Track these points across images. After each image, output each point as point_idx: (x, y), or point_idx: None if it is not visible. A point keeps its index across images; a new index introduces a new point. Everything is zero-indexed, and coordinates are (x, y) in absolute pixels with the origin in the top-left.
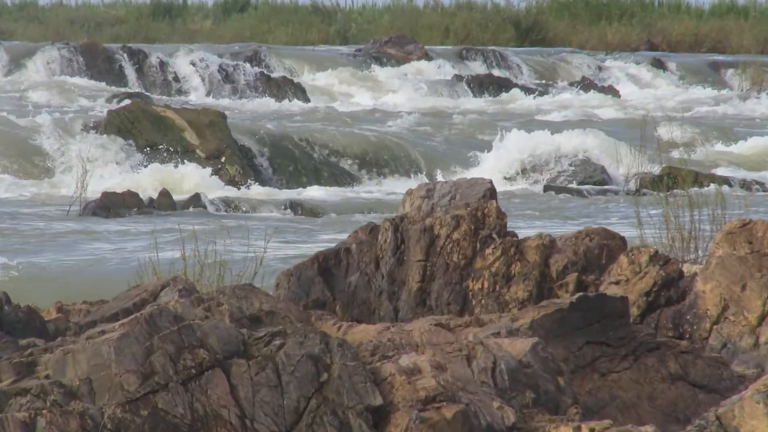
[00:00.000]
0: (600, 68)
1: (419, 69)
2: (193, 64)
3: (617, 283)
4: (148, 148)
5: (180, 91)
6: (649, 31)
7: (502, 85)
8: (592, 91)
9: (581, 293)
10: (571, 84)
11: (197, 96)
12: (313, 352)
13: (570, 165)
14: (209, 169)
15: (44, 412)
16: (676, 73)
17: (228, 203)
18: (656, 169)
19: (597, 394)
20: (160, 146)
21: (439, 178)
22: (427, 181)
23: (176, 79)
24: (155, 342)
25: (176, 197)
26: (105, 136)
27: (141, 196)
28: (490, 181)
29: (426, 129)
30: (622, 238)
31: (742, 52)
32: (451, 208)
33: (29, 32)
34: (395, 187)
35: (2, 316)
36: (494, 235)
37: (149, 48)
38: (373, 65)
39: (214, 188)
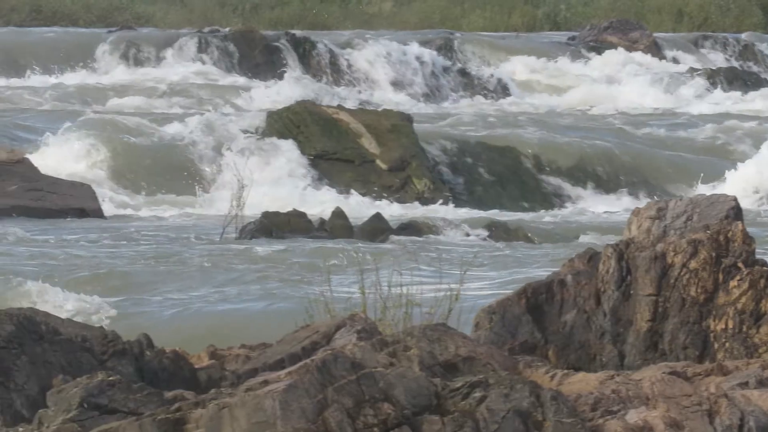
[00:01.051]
0: None
1: (646, 61)
2: (371, 54)
3: None
4: (316, 158)
5: (355, 88)
6: None
7: (747, 81)
8: None
9: None
10: None
11: (377, 94)
12: (522, 406)
13: None
14: (391, 184)
15: None
16: None
17: (415, 225)
18: None
19: None
20: (332, 155)
21: (673, 195)
22: (657, 198)
23: (350, 73)
24: (329, 394)
25: (352, 218)
26: (265, 142)
27: (309, 216)
28: (734, 198)
29: (655, 134)
30: None
31: None
32: (687, 232)
33: (170, 17)
34: (617, 206)
35: (144, 363)
36: (740, 264)
37: (317, 35)
38: (590, 56)
39: (396, 207)
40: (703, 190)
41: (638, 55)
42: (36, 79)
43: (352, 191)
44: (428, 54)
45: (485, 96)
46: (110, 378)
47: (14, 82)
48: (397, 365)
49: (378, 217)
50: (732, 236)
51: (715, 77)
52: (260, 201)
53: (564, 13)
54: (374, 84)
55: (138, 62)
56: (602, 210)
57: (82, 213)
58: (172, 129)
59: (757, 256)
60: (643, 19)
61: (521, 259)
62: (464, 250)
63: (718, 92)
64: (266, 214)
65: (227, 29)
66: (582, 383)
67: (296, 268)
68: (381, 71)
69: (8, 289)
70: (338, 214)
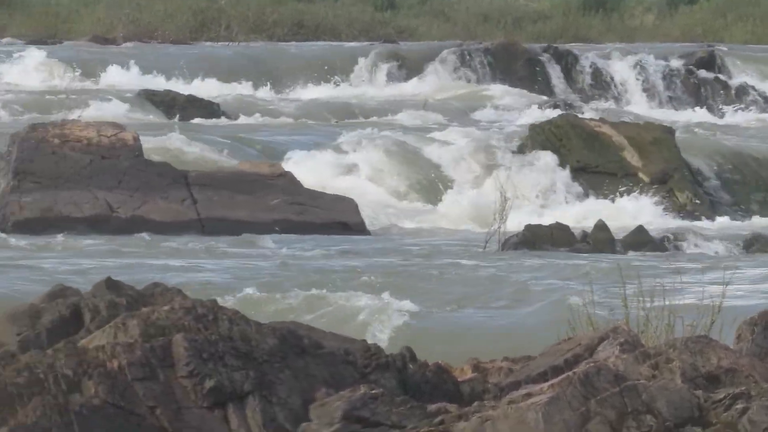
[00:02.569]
0: None
1: None
2: (633, 68)
3: None
4: (579, 171)
5: (617, 101)
6: None
7: None
8: None
9: None
10: None
11: (638, 107)
12: None
13: None
14: (654, 197)
15: None
16: None
17: (677, 237)
18: None
19: None
20: (594, 168)
21: None
22: None
23: (612, 86)
24: (592, 406)
25: (614, 231)
26: (527, 155)
27: (572, 229)
28: None
29: None
30: None
31: None
32: None
33: (433, 30)
34: None
35: (407, 376)
36: None
37: (579, 48)
38: None
39: (659, 219)
40: None
41: None
42: (298, 93)
43: (615, 204)
44: (690, 67)
45: (749, 109)
46: (373, 391)
47: (276, 96)
48: (659, 377)
49: (640, 229)
50: None
51: None
52: (521, 213)
53: None
54: (635, 97)
55: (399, 76)
56: None
57: (345, 227)
58: (434, 143)
59: None
60: None
61: None
62: (726, 263)
63: None
64: (529, 227)
65: (489, 42)
66: None
67: (558, 281)
68: (642, 84)
69: (272, 303)
70: (601, 227)
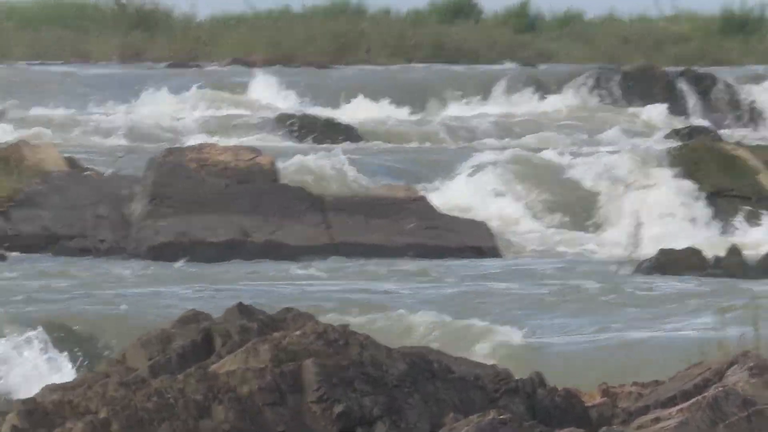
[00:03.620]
0: None
1: None
2: None
3: None
4: (714, 195)
5: (756, 125)
6: None
7: None
8: None
9: None
10: None
11: None
12: None
13: None
14: None
15: None
16: None
17: None
18: None
19: None
20: (730, 192)
21: None
22: None
23: (751, 109)
24: (720, 431)
25: (749, 255)
26: (662, 180)
27: (705, 253)
28: None
29: None
30: None
31: None
32: None
33: (574, 53)
34: None
35: (536, 401)
36: None
37: (718, 71)
38: None
39: None
40: None
41: None
42: (436, 116)
43: (750, 228)
44: None
45: None
46: (501, 416)
47: (414, 118)
48: None
49: None
50: None
51: None
52: (656, 239)
53: None
54: None
55: (535, 98)
56: None
57: (478, 251)
58: (567, 166)
59: None
60: None
61: None
62: None
63: None
64: (662, 251)
65: (628, 65)
66: None
67: (689, 306)
68: None
69: (398, 324)
70: (734, 251)
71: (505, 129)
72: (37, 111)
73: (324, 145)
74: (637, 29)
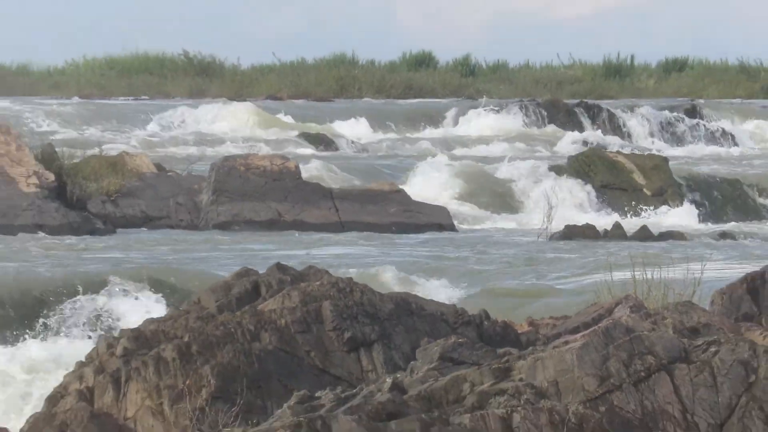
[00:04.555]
0: None
1: None
2: (639, 116)
3: None
4: (602, 187)
5: (629, 139)
6: None
7: None
8: None
9: None
10: None
11: (642, 143)
12: (743, 357)
13: None
14: (654, 205)
15: (519, 408)
16: None
17: (671, 234)
18: None
19: None
20: (613, 185)
21: None
22: None
23: (624, 129)
24: (610, 350)
25: (627, 229)
26: (566, 177)
27: (597, 227)
28: None
29: None
30: None
31: None
32: None
33: (502, 91)
34: None
35: (483, 330)
36: None
37: (602, 103)
38: None
39: (657, 221)
40: None
41: None
42: (409, 134)
43: (626, 210)
44: (679, 115)
45: (720, 145)
46: (460, 340)
47: (395, 136)
48: (657, 330)
49: (644, 228)
50: None
51: None
52: (562, 218)
53: None
54: (639, 136)
55: (478, 122)
56: None
57: (440, 227)
58: (501, 167)
59: None
60: None
61: (744, 256)
62: (703, 250)
63: None
64: (567, 226)
65: (541, 99)
66: None
67: (587, 263)
68: (645, 127)
69: (377, 277)
70: (617, 226)
71: (454, 143)
72: (134, 131)
73: (330, 153)
74: (545, 73)
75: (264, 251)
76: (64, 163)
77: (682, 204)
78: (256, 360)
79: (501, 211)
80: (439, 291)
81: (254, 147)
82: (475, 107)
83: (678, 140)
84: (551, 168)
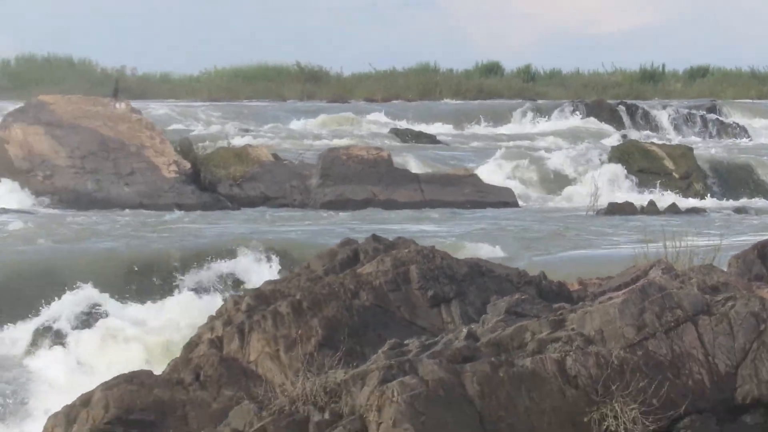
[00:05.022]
0: None
1: None
2: (669, 113)
3: None
4: (639, 172)
5: (660, 132)
6: None
7: None
8: None
9: None
10: None
11: (671, 135)
12: (754, 310)
13: None
14: (681, 186)
15: (571, 353)
16: None
17: (695, 209)
18: None
19: None
20: (648, 170)
21: None
22: None
23: (657, 123)
24: (646, 305)
25: (660, 206)
26: (610, 164)
27: (635, 205)
28: None
29: None
30: None
31: None
32: None
33: (557, 93)
34: None
35: (541, 288)
36: None
37: (639, 103)
38: None
39: (684, 199)
40: None
41: None
42: (480, 130)
43: (659, 190)
44: (702, 112)
45: (738, 137)
46: (522, 297)
47: (467, 132)
48: (684, 288)
49: (674, 205)
50: None
51: None
52: (607, 197)
53: None
54: (669, 129)
55: (538, 120)
56: None
57: (506, 204)
58: (556, 156)
59: None
60: None
61: (756, 228)
62: (722, 223)
63: None
64: (610, 204)
65: (588, 100)
66: None
67: (627, 233)
68: (674, 122)
69: (454, 245)
70: (651, 203)
71: (517, 136)
72: (256, 126)
73: (418, 145)
74: (592, 79)
75: (361, 224)
76: (199, 154)
77: (704, 185)
78: (356, 314)
79: (556, 191)
80: (504, 256)
81: (354, 140)
82: (535, 107)
83: (700, 133)
84: (597, 157)
